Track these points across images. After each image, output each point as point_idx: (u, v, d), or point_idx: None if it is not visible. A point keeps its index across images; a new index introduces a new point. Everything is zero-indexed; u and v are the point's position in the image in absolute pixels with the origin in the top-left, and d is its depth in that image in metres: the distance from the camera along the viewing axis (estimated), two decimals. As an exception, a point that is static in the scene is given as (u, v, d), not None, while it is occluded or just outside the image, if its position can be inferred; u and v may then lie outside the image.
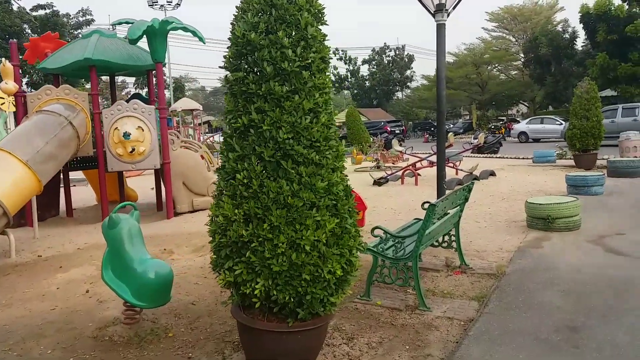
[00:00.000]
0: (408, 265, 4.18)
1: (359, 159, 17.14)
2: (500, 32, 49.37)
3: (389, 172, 12.42)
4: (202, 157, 10.25)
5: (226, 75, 3.16)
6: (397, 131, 32.25)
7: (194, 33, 9.07)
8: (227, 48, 3.18)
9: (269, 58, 2.96)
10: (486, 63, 47.15)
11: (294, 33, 3.03)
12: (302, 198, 2.91)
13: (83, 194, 12.15)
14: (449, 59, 49.96)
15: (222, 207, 3.01)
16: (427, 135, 38.42)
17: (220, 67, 3.26)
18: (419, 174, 12.20)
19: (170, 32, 9.16)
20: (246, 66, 3.04)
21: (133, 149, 8.88)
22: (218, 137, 25.68)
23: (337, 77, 54.69)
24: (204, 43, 9.36)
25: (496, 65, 48.64)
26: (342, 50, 53.57)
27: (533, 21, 44.78)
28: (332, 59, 3.24)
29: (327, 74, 3.23)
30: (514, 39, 48.47)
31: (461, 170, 12.50)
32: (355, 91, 55.39)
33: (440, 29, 6.67)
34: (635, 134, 13.79)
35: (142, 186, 12.59)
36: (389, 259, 4.20)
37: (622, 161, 11.13)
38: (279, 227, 2.88)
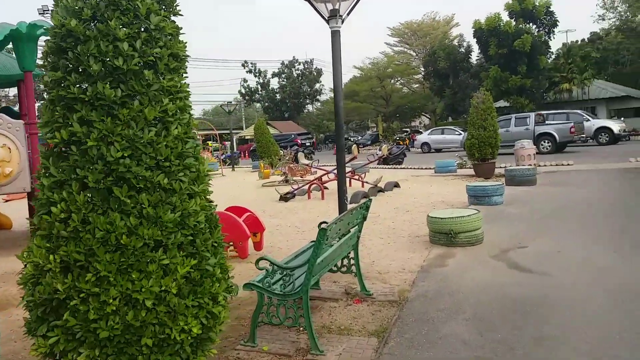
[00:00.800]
0: (298, 302, 3.60)
1: (267, 173, 16.50)
2: (401, 47, 51.46)
3: (295, 187, 11.91)
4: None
5: (43, 77, 2.40)
6: (308, 143, 32.08)
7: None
8: (44, 42, 2.42)
9: (96, 53, 2.25)
10: (389, 77, 48.78)
11: (132, 23, 2.35)
12: (142, 236, 2.21)
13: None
14: (355, 72, 51.16)
15: (33, 253, 2.23)
16: (355, 145, 38.68)
17: (38, 66, 2.49)
18: (326, 187, 11.80)
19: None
20: (67, 63, 2.29)
21: (-6, 170, 7.54)
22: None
23: (247, 89, 53.73)
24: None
25: (399, 78, 50.53)
26: (251, 63, 52.84)
27: (431, 36, 47.19)
28: (188, 57, 2.59)
29: (184, 75, 2.58)
30: (414, 54, 50.72)
31: (367, 182, 12.31)
32: (266, 104, 54.74)
33: (335, 35, 6.27)
34: (528, 142, 14.44)
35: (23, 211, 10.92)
36: (276, 295, 3.59)
37: (519, 170, 11.47)
38: (108, 278, 2.16)
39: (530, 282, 4.71)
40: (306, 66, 53.87)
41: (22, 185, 7.82)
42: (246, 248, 6.12)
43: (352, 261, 4.82)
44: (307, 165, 13.49)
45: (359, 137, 45.45)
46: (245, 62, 52.32)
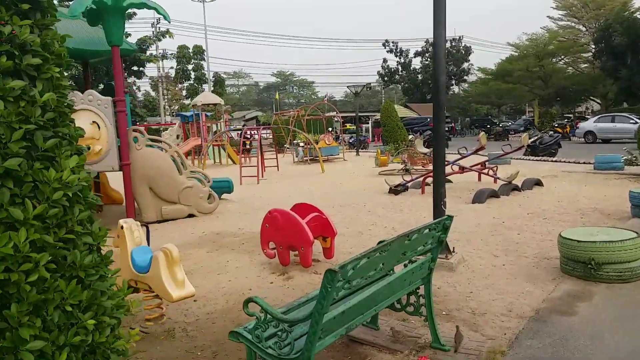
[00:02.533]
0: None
1: (384, 160, 15.08)
2: (568, 21, 44.89)
3: (408, 179, 10.38)
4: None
5: None
6: (446, 128, 29.61)
7: (157, 10, 7.65)
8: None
9: None
10: (551, 55, 42.95)
11: None
12: None
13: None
14: (511, 51, 46.29)
15: None
16: (483, 133, 35.34)
17: None
18: (449, 181, 10.09)
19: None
20: None
21: (88, 148, 7.51)
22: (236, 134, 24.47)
23: (386, 70, 52.03)
24: (169, 22, 7.98)
25: (562, 57, 44.28)
26: (392, 42, 50.88)
27: (607, 8, 40.15)
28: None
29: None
30: (584, 29, 43.87)
31: (499, 178, 10.28)
32: (407, 85, 52.48)
33: (439, -14, 4.75)
34: None
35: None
36: (269, 356, 2.41)
37: None
38: None
39: None
40: (454, 44, 50.21)
41: (110, 164, 7.73)
42: (309, 255, 5.00)
43: (423, 299, 3.40)
44: (424, 153, 11.83)
45: (511, 123, 41.05)
46: (387, 41, 50.52)
